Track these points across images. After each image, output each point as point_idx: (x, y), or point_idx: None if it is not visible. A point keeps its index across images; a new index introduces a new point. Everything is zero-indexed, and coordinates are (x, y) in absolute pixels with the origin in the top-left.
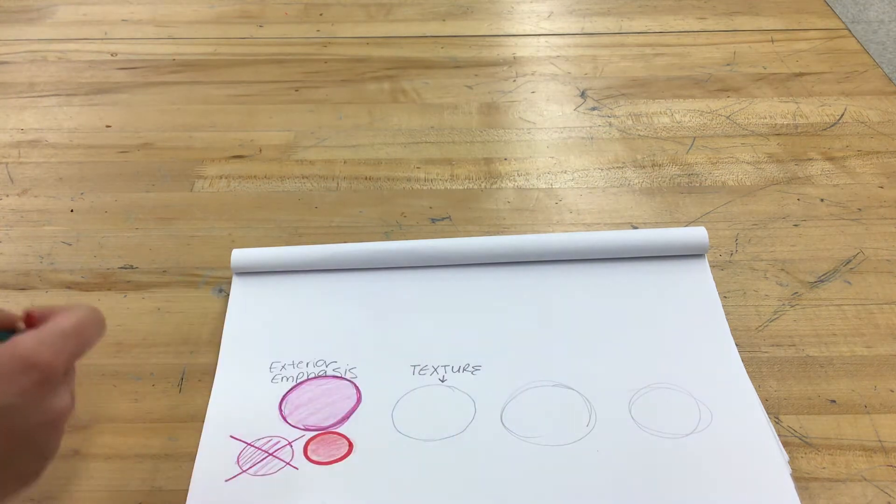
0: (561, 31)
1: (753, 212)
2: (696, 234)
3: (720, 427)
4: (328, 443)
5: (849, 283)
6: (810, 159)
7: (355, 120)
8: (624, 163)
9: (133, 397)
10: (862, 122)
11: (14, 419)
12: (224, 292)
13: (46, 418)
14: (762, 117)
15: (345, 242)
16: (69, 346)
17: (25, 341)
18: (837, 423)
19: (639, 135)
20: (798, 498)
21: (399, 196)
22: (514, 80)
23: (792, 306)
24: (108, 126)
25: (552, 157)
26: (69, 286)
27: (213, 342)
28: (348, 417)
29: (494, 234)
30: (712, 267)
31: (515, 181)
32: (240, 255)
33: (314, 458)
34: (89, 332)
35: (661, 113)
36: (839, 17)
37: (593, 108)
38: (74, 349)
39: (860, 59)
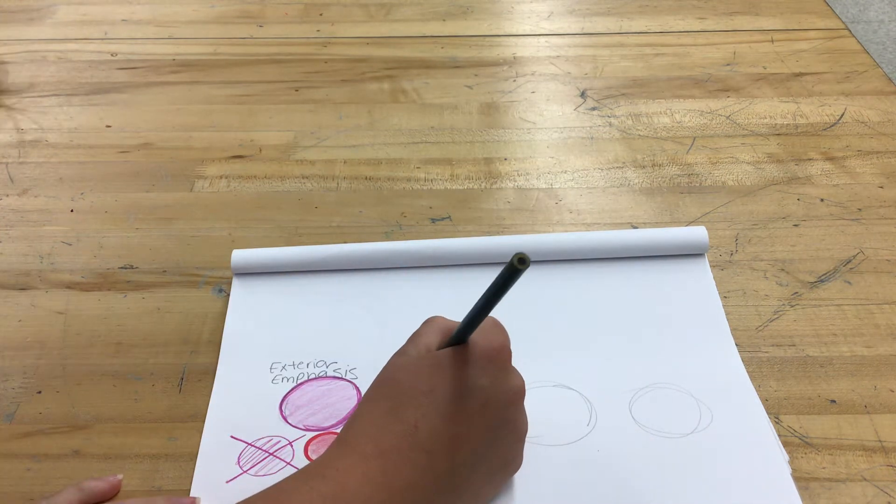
0: (561, 31)
1: (753, 212)
2: (696, 233)
3: (720, 427)
4: (329, 443)
5: (849, 283)
6: (810, 159)
7: (355, 120)
8: (624, 163)
9: (133, 397)
10: (862, 122)
11: (490, 399)
12: (224, 292)
13: (509, 398)
14: (762, 117)
15: (345, 242)
16: (507, 336)
17: (478, 340)
18: (837, 423)
19: (639, 135)
20: (799, 498)
21: (399, 196)
22: (514, 80)
23: (792, 306)
24: (108, 126)
25: (552, 157)
26: (69, 286)
27: (213, 342)
28: (348, 418)
29: (494, 234)
30: (712, 267)
31: (515, 181)
32: (240, 256)
33: (315, 458)
34: (502, 329)
35: (661, 113)
36: (839, 17)
37: (593, 108)
38: (509, 341)
39: (860, 59)
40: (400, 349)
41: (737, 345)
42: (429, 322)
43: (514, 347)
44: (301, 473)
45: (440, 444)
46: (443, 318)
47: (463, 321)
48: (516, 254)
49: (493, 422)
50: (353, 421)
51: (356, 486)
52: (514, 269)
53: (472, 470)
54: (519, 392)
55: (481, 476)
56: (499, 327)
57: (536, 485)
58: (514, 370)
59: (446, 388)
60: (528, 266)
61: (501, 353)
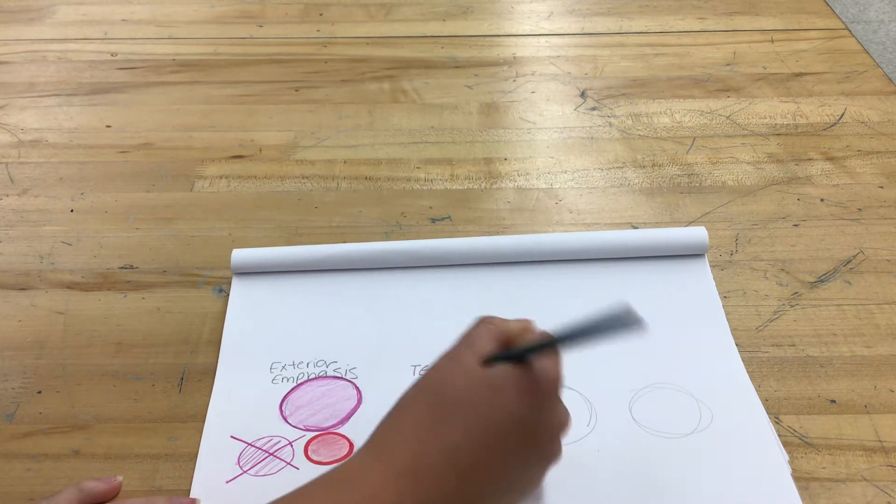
0: (561, 31)
1: (753, 212)
2: (696, 234)
3: (720, 427)
4: (329, 443)
5: (849, 283)
6: (810, 159)
7: (355, 120)
8: (624, 163)
9: (133, 397)
10: (862, 122)
11: (535, 430)
12: (224, 292)
13: (554, 431)
14: (762, 117)
15: (345, 242)
16: (562, 366)
17: (539, 367)
18: (837, 423)
19: (639, 135)
20: (799, 498)
21: (399, 196)
22: (514, 80)
23: (792, 306)
24: (108, 126)
25: (552, 157)
26: (69, 286)
27: (213, 342)
28: (349, 418)
29: (494, 234)
30: (712, 267)
31: (515, 181)
32: (240, 255)
33: (315, 458)
34: (559, 357)
35: (661, 113)
36: (839, 17)
37: (593, 108)
38: (559, 370)
39: (860, 59)
40: (451, 352)
41: (737, 345)
42: (484, 324)
43: None
44: (329, 478)
45: (476, 469)
46: (498, 319)
47: (535, 341)
48: (627, 309)
49: (532, 454)
50: (391, 427)
51: (384, 502)
52: (621, 322)
53: (500, 495)
54: (564, 425)
55: (504, 497)
56: (557, 354)
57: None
58: (562, 402)
59: (497, 415)
60: (632, 325)
61: (555, 384)
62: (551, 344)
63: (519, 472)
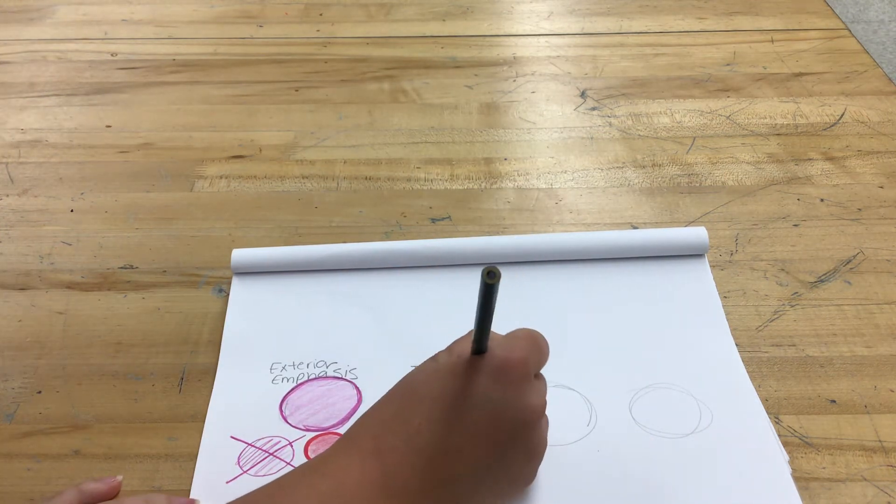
0: (561, 31)
1: (753, 212)
2: (696, 234)
3: (720, 427)
4: (329, 443)
5: (849, 283)
6: (810, 159)
7: (355, 120)
8: (624, 163)
9: (133, 397)
10: (862, 122)
11: (500, 413)
12: (224, 292)
13: (524, 415)
14: (762, 117)
15: (345, 242)
16: (534, 350)
17: (496, 351)
18: (837, 423)
19: (639, 135)
20: (799, 498)
21: (399, 196)
22: (514, 80)
23: (792, 306)
24: (108, 126)
25: (552, 157)
26: (69, 286)
27: (213, 342)
28: (349, 418)
29: (494, 234)
30: (712, 267)
31: (515, 181)
32: (240, 255)
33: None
34: (543, 344)
35: (661, 113)
36: (839, 17)
37: (593, 108)
38: (538, 356)
39: (860, 59)
40: (435, 354)
41: (737, 345)
42: (472, 330)
43: None
44: (301, 469)
45: (441, 451)
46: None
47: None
48: (484, 268)
49: (502, 437)
50: (362, 418)
51: (354, 484)
52: (488, 285)
53: (475, 482)
54: (536, 411)
55: (486, 489)
56: (528, 339)
57: (536, 485)
58: (536, 387)
59: (455, 395)
60: (498, 279)
61: (519, 366)
62: (480, 326)
63: (495, 459)
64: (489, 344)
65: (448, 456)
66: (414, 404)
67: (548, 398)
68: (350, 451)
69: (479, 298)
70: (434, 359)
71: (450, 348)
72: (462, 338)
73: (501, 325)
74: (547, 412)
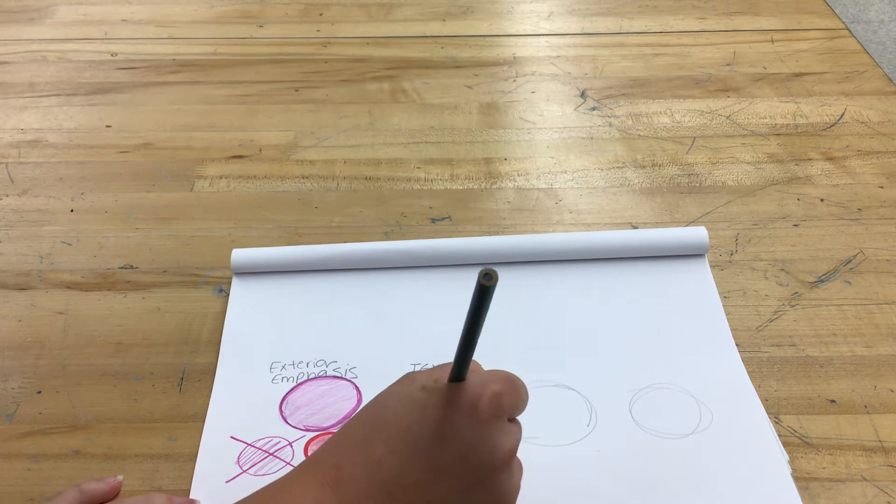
0: (561, 31)
1: (753, 212)
2: (697, 234)
3: (720, 427)
4: None
5: (849, 283)
6: (810, 159)
7: (355, 120)
8: (624, 163)
9: (133, 397)
10: (862, 122)
11: (468, 453)
12: (224, 292)
13: (493, 458)
14: (762, 117)
15: (345, 242)
16: (510, 391)
17: (471, 383)
18: (837, 423)
19: (639, 135)
20: (799, 498)
21: (399, 196)
22: (514, 80)
23: (792, 306)
24: (108, 126)
25: (552, 157)
26: (69, 286)
27: (213, 342)
28: (348, 418)
29: (494, 234)
30: (712, 267)
31: (515, 181)
32: (240, 255)
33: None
34: (521, 387)
35: (661, 113)
36: (839, 17)
37: (593, 108)
38: (515, 397)
39: (860, 59)
40: (411, 374)
41: (737, 345)
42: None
43: (513, 348)
44: (262, 491)
45: (403, 487)
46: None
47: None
48: (482, 270)
49: (468, 477)
50: (327, 443)
51: None
52: (483, 287)
53: None
54: (507, 454)
55: None
56: (506, 380)
57: (536, 485)
58: (508, 429)
59: (423, 429)
60: (496, 281)
61: (491, 402)
62: (465, 345)
63: (458, 499)
64: (468, 376)
65: (409, 492)
66: (379, 433)
67: (548, 398)
68: (308, 479)
69: (471, 303)
70: (409, 381)
71: (428, 371)
72: (444, 365)
73: (501, 325)
74: (547, 412)
